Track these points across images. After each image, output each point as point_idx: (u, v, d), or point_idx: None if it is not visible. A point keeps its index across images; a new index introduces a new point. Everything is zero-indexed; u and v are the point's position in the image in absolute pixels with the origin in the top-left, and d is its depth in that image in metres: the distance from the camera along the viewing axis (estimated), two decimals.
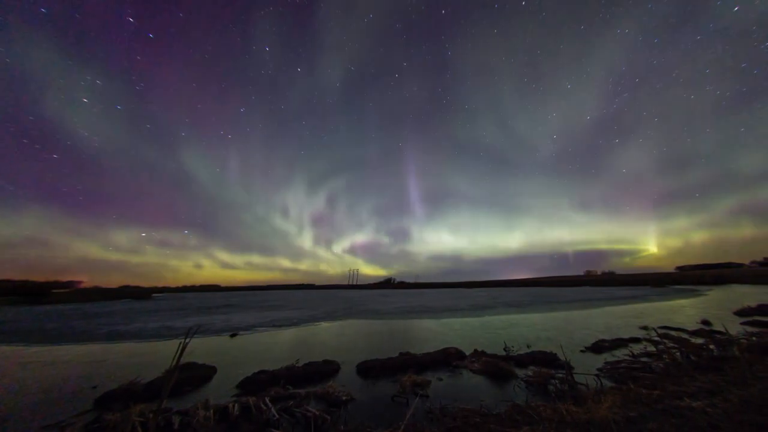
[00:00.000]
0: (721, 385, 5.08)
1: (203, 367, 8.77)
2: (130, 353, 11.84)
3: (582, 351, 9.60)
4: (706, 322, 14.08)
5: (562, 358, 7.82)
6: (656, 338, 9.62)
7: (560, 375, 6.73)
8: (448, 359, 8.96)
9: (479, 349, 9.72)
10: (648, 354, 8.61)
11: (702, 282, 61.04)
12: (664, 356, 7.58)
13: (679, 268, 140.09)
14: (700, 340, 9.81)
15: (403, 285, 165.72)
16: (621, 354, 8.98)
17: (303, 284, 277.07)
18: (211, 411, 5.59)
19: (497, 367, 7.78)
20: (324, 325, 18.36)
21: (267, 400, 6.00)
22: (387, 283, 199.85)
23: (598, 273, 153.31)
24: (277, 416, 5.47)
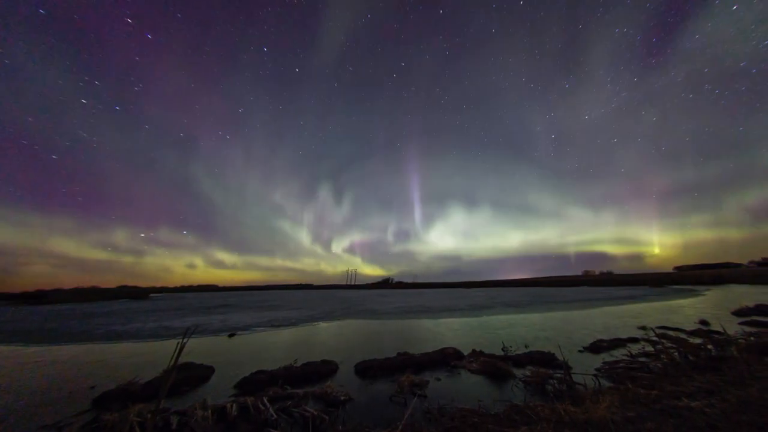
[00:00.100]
0: (719, 385, 5.09)
1: (201, 367, 8.74)
2: (128, 353, 11.80)
3: (580, 351, 9.62)
4: (704, 322, 14.11)
5: (560, 358, 7.84)
6: (654, 338, 9.63)
7: (558, 375, 6.73)
8: (447, 359, 8.96)
9: (477, 349, 9.72)
10: (646, 354, 8.63)
11: (700, 282, 61.17)
12: (662, 356, 7.59)
13: (677, 268, 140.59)
14: (698, 340, 9.82)
15: (401, 285, 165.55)
16: (619, 354, 8.99)
17: (301, 284, 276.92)
18: (209, 411, 5.57)
19: (495, 367, 7.78)
20: (322, 325, 18.34)
21: (265, 400, 5.98)
22: (385, 283, 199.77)
23: (596, 273, 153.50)
24: (275, 416, 5.46)
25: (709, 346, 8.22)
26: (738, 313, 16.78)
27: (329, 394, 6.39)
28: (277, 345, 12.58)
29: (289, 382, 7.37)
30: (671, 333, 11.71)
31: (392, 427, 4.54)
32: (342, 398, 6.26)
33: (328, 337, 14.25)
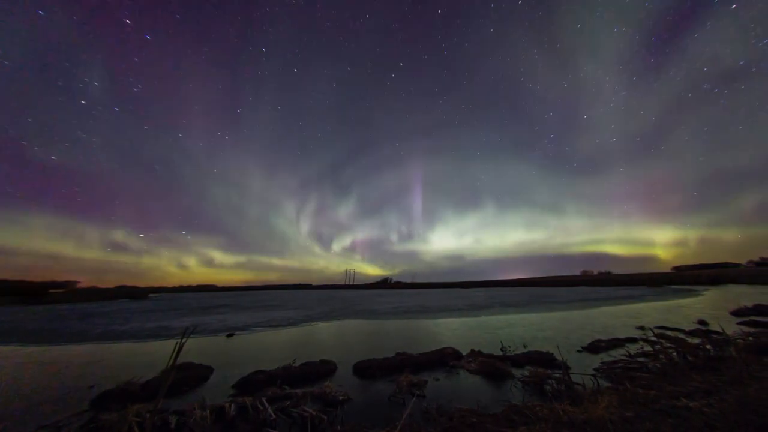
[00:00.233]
0: (717, 385, 5.09)
1: (200, 367, 8.73)
2: (127, 353, 11.79)
3: (579, 351, 9.63)
4: (702, 322, 14.14)
5: (559, 358, 7.83)
6: (653, 338, 9.64)
7: (557, 375, 6.73)
8: (445, 359, 8.96)
9: (476, 349, 9.72)
10: (645, 354, 8.63)
11: (698, 282, 61.29)
12: (660, 356, 7.60)
13: (675, 268, 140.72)
14: (696, 340, 9.84)
15: (399, 285, 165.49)
16: (618, 354, 9.01)
17: (300, 284, 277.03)
18: (208, 411, 5.56)
19: (494, 367, 7.78)
20: (321, 325, 18.33)
21: (264, 400, 5.97)
22: (384, 283, 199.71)
23: (595, 273, 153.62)
24: (273, 416, 5.45)
25: (708, 346, 8.23)
26: (736, 313, 16.81)
27: (328, 394, 6.38)
28: (275, 345, 12.57)
29: (287, 382, 7.36)
30: (670, 333, 11.72)
31: (391, 426, 4.54)
32: (341, 398, 6.25)
33: (327, 337, 14.25)
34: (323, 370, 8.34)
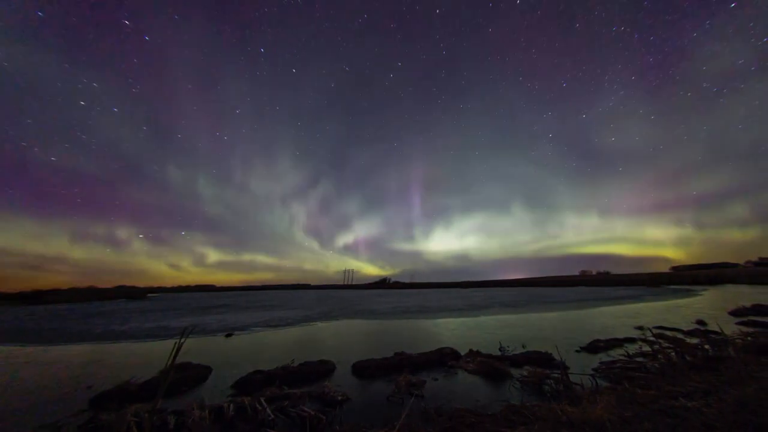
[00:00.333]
0: (716, 385, 5.09)
1: (198, 367, 8.71)
2: (126, 353, 11.76)
3: (577, 351, 9.64)
4: (701, 322, 14.16)
5: (558, 358, 7.85)
6: (651, 338, 9.64)
7: (555, 375, 6.73)
8: (444, 359, 8.96)
9: (474, 349, 9.72)
10: (643, 354, 8.65)
11: (697, 282, 61.40)
12: (659, 356, 7.60)
13: (674, 268, 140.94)
14: (695, 340, 9.87)
15: (398, 285, 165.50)
16: (616, 354, 9.02)
17: (298, 284, 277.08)
18: (207, 411, 5.55)
19: (492, 367, 7.78)
20: (319, 325, 18.31)
21: (262, 400, 5.96)
22: (382, 283, 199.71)
23: (593, 273, 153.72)
24: (272, 416, 5.44)
25: (706, 346, 8.24)
26: (735, 313, 16.84)
27: (326, 394, 6.38)
28: (274, 345, 12.56)
29: (286, 382, 7.35)
30: (668, 333, 11.74)
31: (389, 426, 4.53)
32: (339, 398, 6.24)
33: (326, 337, 14.23)
34: (322, 370, 8.33)
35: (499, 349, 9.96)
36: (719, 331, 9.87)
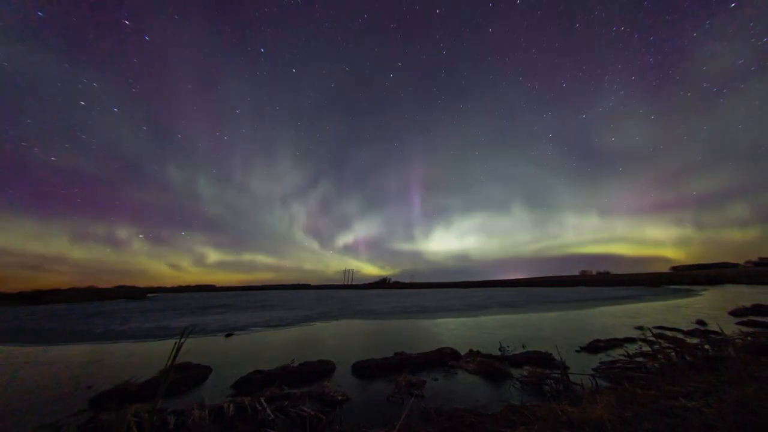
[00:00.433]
0: (716, 385, 5.09)
1: (198, 367, 8.71)
2: (126, 353, 11.76)
3: (577, 351, 9.64)
4: (701, 322, 14.16)
5: (558, 358, 7.85)
6: (651, 338, 9.64)
7: (555, 375, 6.73)
8: (444, 359, 8.96)
9: (474, 349, 9.72)
10: (643, 354, 8.64)
11: (697, 282, 61.39)
12: (659, 356, 7.60)
13: (674, 268, 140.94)
14: (695, 340, 9.86)
15: (397, 285, 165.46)
16: (616, 354, 9.02)
17: (298, 284, 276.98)
18: (207, 411, 5.55)
19: (492, 367, 7.78)
20: (319, 325, 18.31)
21: (262, 400, 5.96)
22: (382, 283, 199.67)
23: (593, 273, 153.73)
24: (272, 416, 5.44)
25: (706, 346, 8.24)
26: (735, 313, 16.85)
27: (326, 394, 6.38)
28: (274, 345, 12.55)
29: (286, 382, 7.35)
30: (668, 333, 11.74)
31: (389, 427, 4.53)
32: (339, 398, 6.24)
33: (325, 337, 14.23)
34: (322, 370, 8.33)
35: (499, 349, 9.96)
36: (719, 331, 9.89)
